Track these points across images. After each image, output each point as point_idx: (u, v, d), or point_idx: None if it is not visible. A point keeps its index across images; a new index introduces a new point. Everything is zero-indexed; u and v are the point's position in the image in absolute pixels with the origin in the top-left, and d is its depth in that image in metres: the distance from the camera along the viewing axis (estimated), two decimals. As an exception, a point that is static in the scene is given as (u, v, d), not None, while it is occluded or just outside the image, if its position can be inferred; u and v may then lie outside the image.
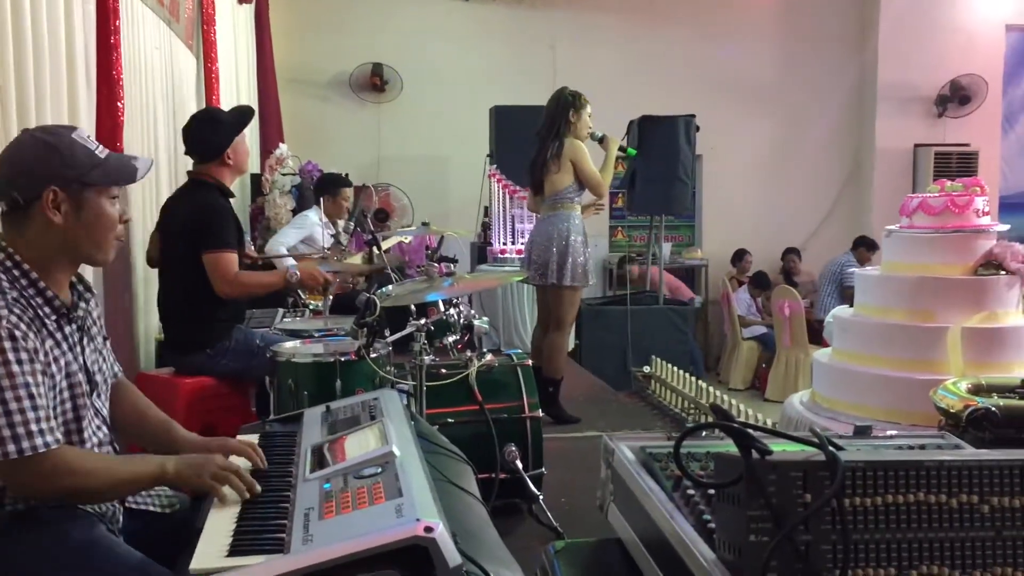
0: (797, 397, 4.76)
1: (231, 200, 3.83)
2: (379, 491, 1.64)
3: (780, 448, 1.18)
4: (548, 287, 5.06)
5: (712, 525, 1.23)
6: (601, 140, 5.15)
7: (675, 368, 6.43)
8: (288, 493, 1.80)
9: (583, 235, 5.04)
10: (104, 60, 3.22)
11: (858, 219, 10.40)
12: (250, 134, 7.84)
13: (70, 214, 1.90)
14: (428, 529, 1.42)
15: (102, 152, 1.96)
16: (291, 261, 4.84)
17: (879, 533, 1.11)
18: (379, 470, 1.74)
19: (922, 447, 1.50)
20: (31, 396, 1.75)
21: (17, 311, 1.80)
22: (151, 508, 2.09)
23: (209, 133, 3.72)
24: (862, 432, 1.57)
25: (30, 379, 1.76)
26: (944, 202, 4.28)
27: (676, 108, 8.24)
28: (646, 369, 6.79)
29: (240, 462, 1.96)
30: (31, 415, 1.74)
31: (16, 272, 1.87)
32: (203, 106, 5.47)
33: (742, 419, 4.73)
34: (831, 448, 1.07)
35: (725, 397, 5.67)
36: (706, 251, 10.45)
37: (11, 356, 1.73)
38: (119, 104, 3.30)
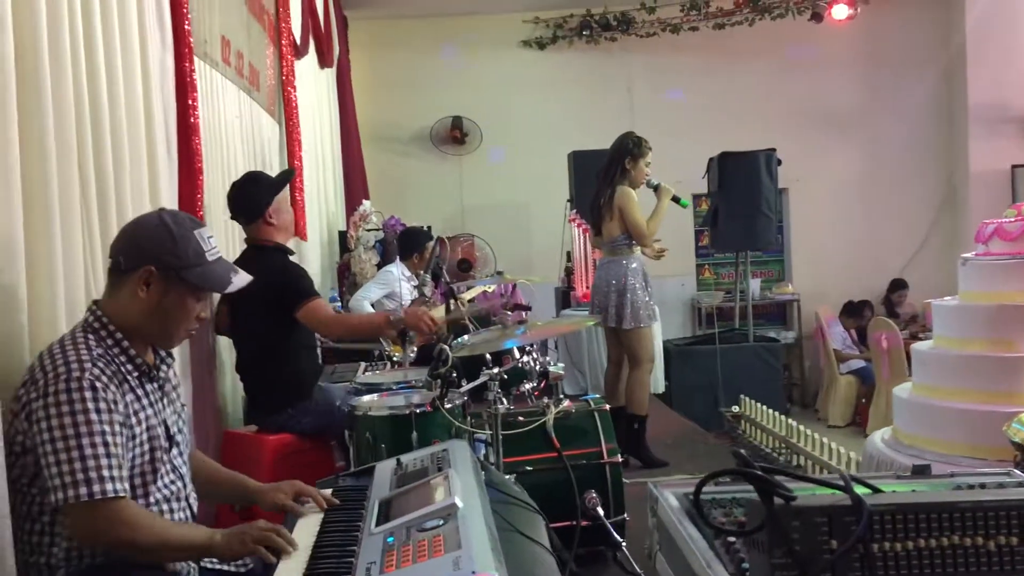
0: (879, 434, 4.59)
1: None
2: (439, 544, 1.64)
3: (818, 492, 1.16)
4: (616, 329, 5.10)
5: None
6: (656, 188, 5.16)
7: (765, 407, 6.30)
8: (354, 548, 1.83)
9: (642, 278, 5.08)
10: (184, 132, 3.35)
11: (956, 245, 10.02)
12: (335, 192, 8.10)
13: (155, 295, 2.05)
14: (483, 581, 1.43)
15: (213, 256, 2.11)
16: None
17: (912, 579, 1.07)
18: (441, 522, 1.74)
19: (983, 486, 1.45)
20: (105, 444, 1.87)
21: (100, 365, 1.94)
22: (224, 567, 2.15)
23: (249, 193, 3.77)
24: (921, 471, 1.53)
25: (107, 428, 1.88)
26: (1021, 227, 4.11)
27: (757, 143, 8.18)
28: (735, 409, 6.68)
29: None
30: (104, 461, 1.85)
31: (103, 332, 2.03)
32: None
33: (834, 459, 4.53)
34: (855, 491, 1.04)
35: (817, 436, 5.51)
36: (797, 285, 10.23)
37: (91, 405, 1.87)
38: (199, 174, 3.42)
